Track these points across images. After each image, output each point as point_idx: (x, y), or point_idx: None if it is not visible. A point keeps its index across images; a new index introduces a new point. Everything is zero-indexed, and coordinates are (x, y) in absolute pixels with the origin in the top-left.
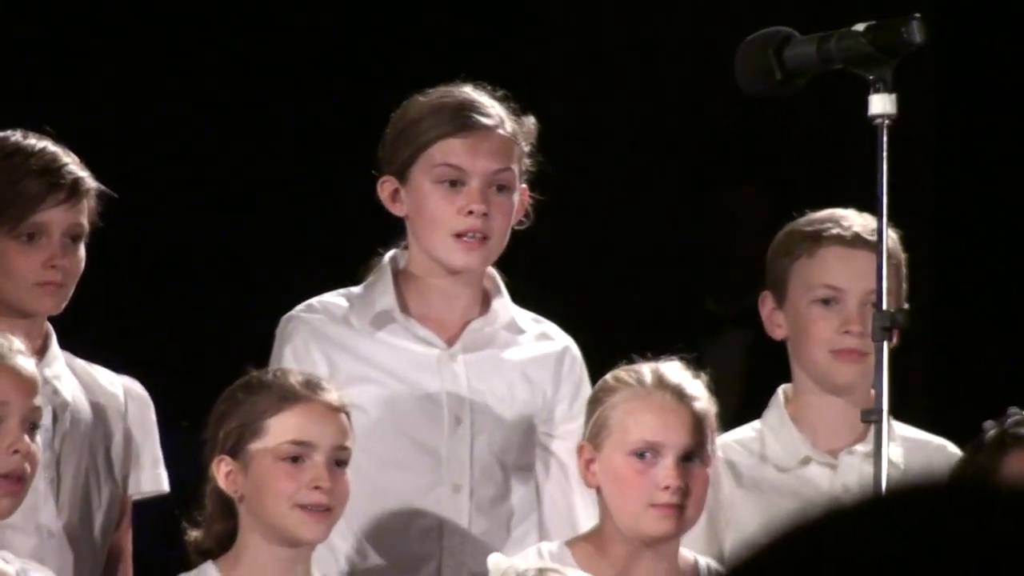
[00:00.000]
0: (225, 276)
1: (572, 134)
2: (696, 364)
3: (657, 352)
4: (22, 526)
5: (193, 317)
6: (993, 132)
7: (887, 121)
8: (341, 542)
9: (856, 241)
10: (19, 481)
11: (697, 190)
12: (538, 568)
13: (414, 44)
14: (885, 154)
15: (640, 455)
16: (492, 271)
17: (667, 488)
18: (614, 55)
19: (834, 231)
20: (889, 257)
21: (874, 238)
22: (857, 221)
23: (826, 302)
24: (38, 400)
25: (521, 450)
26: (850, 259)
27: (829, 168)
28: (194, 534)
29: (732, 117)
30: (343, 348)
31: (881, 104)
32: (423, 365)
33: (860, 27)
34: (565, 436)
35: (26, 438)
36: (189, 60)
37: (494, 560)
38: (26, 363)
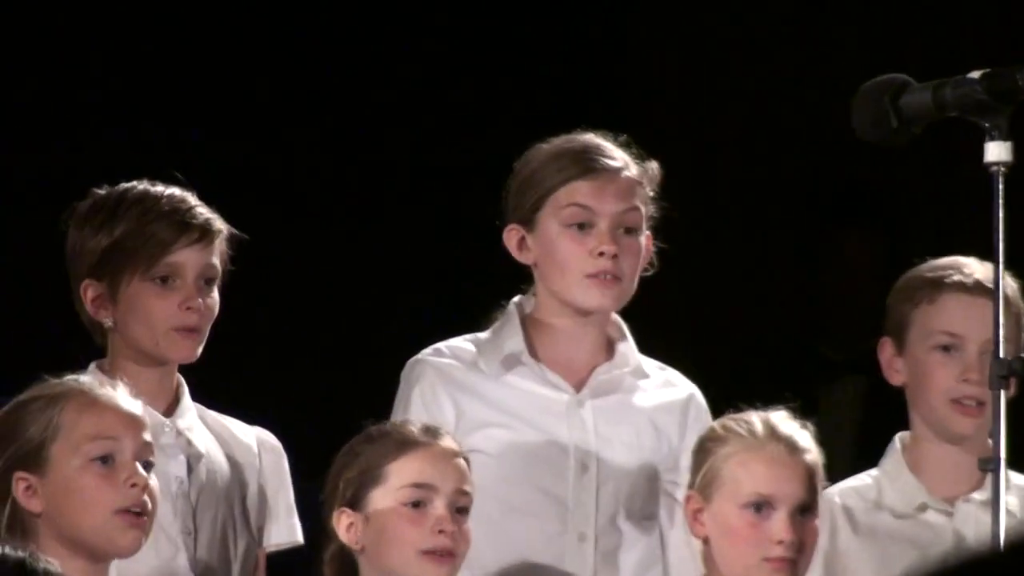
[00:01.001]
0: (355, 324)
1: (687, 182)
2: (802, 413)
3: (767, 400)
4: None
5: (323, 366)
6: None
7: (1003, 168)
8: None
9: (977, 289)
10: (140, 515)
11: (812, 236)
12: None
13: (528, 96)
14: (1001, 201)
15: (755, 508)
16: (616, 317)
17: (781, 543)
18: (727, 98)
19: (955, 278)
20: (1008, 305)
21: (992, 286)
22: (979, 269)
23: (946, 349)
24: (147, 436)
25: (646, 499)
26: (971, 307)
27: (946, 216)
28: None
29: (848, 162)
30: (471, 392)
31: (997, 152)
32: (551, 410)
33: (976, 74)
34: None
35: (142, 471)
36: (309, 98)
37: None
38: (129, 401)
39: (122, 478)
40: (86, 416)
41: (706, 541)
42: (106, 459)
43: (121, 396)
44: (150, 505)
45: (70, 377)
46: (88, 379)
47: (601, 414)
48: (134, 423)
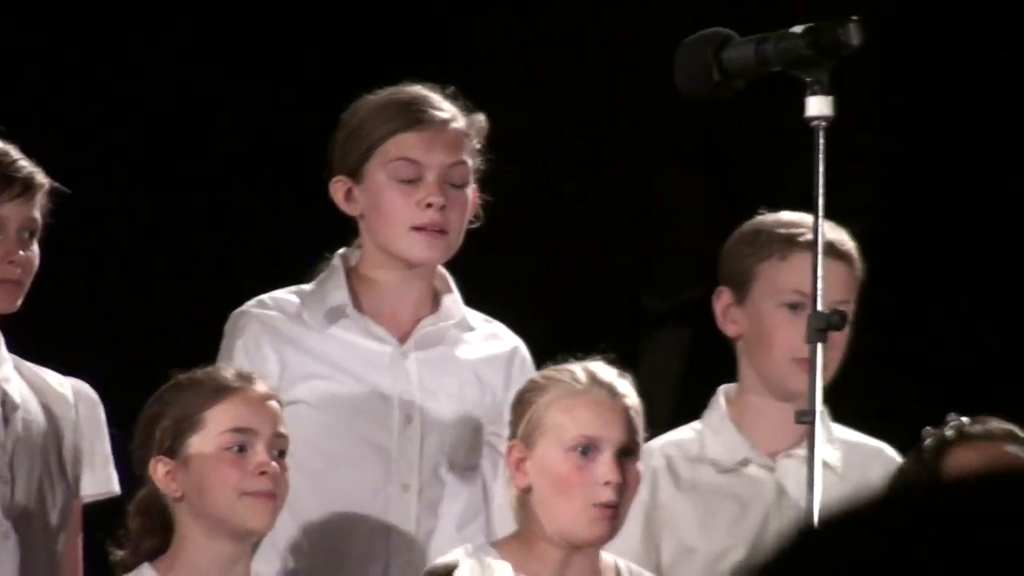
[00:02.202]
0: (172, 276)
1: (512, 133)
2: (622, 364)
3: (588, 352)
4: None
5: (141, 316)
6: (932, 134)
7: (824, 123)
8: (285, 540)
9: (830, 250)
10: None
11: (634, 186)
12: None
13: (363, 52)
14: (822, 155)
15: (581, 451)
16: (442, 269)
17: (608, 484)
18: (553, 47)
19: (809, 237)
20: (852, 266)
21: (845, 248)
22: (830, 230)
23: (793, 307)
24: None
25: (470, 450)
26: (823, 266)
27: (769, 169)
28: (120, 553)
29: (671, 111)
30: (295, 344)
31: (818, 106)
32: (375, 362)
33: (798, 29)
34: None
35: None
36: (136, 53)
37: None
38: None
39: None
40: None
41: (528, 491)
42: None
43: None
44: None
45: None
46: None
47: (425, 366)
48: None
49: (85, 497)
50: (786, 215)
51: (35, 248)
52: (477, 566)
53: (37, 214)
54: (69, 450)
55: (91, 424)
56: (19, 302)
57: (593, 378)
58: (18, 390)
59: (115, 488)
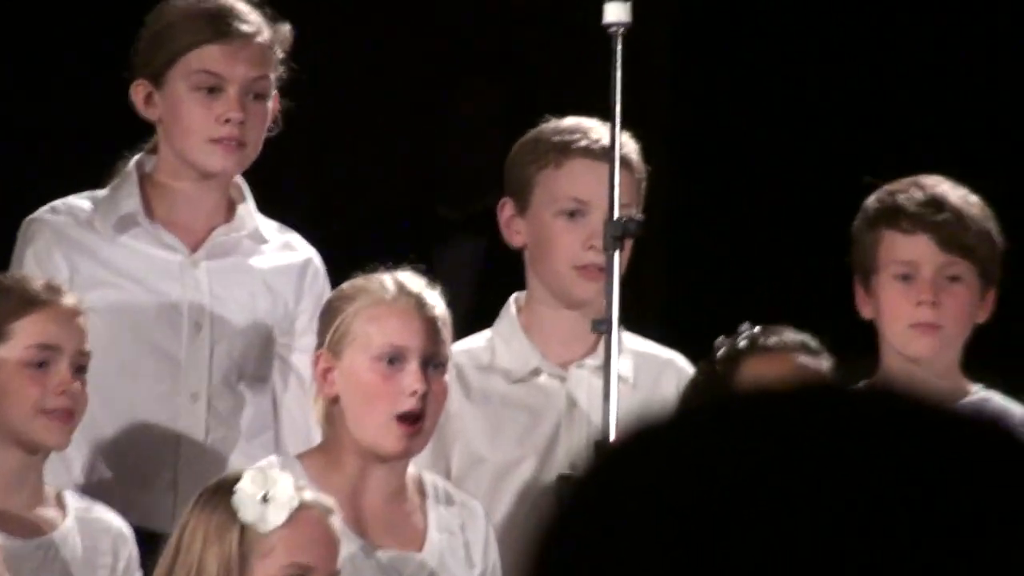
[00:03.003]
0: None
1: (311, 42)
2: (427, 274)
3: (385, 261)
4: None
5: None
6: (727, 44)
7: (622, 30)
8: (75, 451)
9: (604, 154)
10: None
11: (429, 92)
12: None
13: None
14: (619, 62)
15: (388, 360)
16: (239, 178)
17: (413, 393)
18: None
19: (583, 143)
20: (631, 169)
21: (624, 152)
22: (605, 134)
23: (571, 215)
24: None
25: (260, 360)
26: (598, 172)
27: (564, 74)
28: None
29: (467, 17)
30: (85, 251)
31: (616, 13)
32: (165, 271)
33: None
34: (305, 349)
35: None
36: None
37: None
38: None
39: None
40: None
41: (335, 401)
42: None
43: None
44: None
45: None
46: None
47: (216, 275)
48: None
49: None
50: (565, 122)
51: None
52: (260, 477)
53: None
54: None
55: None
56: None
57: (401, 288)
58: None
59: None
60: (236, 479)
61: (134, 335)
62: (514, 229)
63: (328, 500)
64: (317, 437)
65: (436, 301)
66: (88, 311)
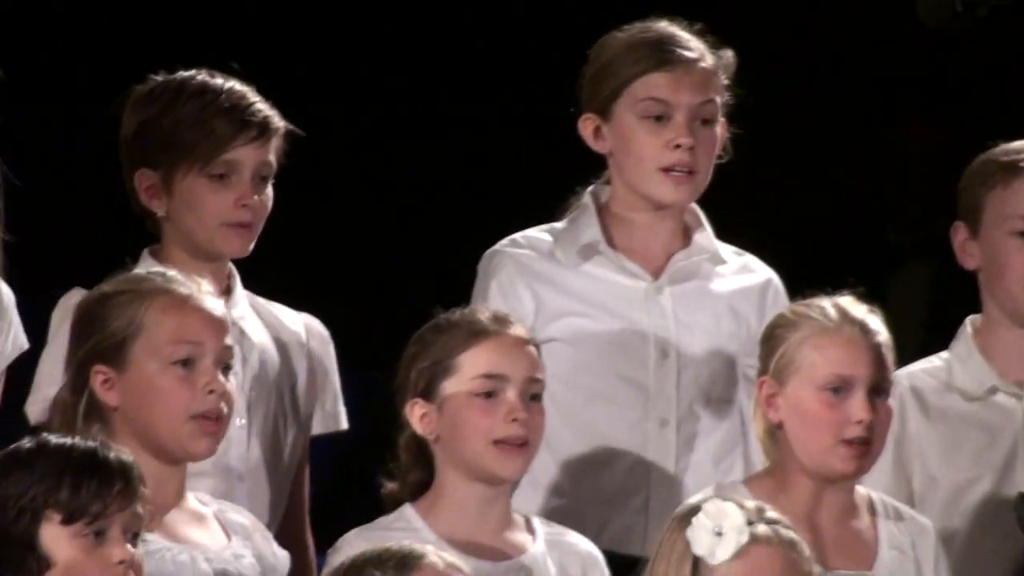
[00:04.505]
0: (416, 215)
1: (760, 68)
2: (870, 298)
3: (835, 287)
4: (208, 469)
5: (379, 256)
6: None
7: None
8: (545, 478)
9: None
10: (217, 421)
11: (877, 120)
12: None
13: None
14: None
15: (833, 390)
16: (693, 205)
17: (860, 422)
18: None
19: None
20: None
21: None
22: None
23: (1021, 235)
24: (229, 340)
25: (726, 383)
26: None
27: (1007, 101)
28: (390, 486)
29: (910, 55)
30: (549, 282)
31: None
32: (630, 298)
33: None
34: None
35: (220, 377)
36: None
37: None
38: (215, 304)
39: (201, 384)
40: (171, 317)
41: (779, 426)
42: (187, 362)
43: (208, 299)
44: (226, 411)
45: (157, 271)
46: (176, 276)
47: (679, 300)
48: (218, 327)
49: (316, 434)
50: (1015, 144)
51: (269, 192)
52: (715, 510)
53: (272, 157)
54: (302, 387)
55: (322, 361)
56: (251, 246)
57: (844, 315)
58: (255, 329)
59: (343, 425)
60: (698, 508)
61: (601, 363)
62: (967, 252)
63: (790, 534)
64: None
65: (879, 327)
66: (554, 341)
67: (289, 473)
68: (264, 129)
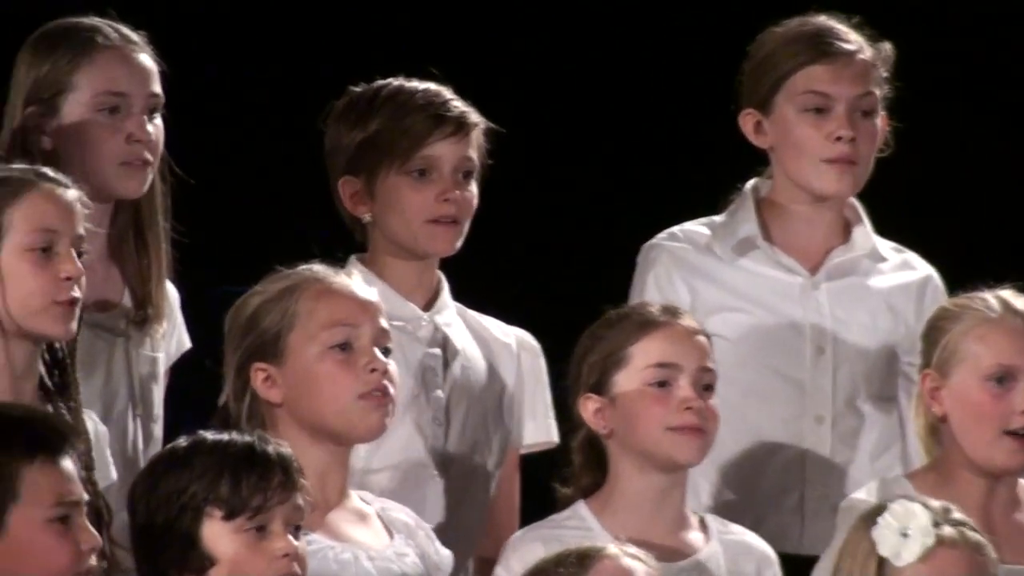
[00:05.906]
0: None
1: (917, 61)
2: None
3: (995, 281)
4: (399, 465)
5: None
6: None
7: None
8: (702, 475)
9: None
10: (383, 396)
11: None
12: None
13: None
14: None
15: (997, 380)
16: (853, 200)
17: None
18: None
19: None
20: None
21: None
22: None
23: None
24: (384, 322)
25: (884, 380)
26: None
27: None
28: (564, 491)
29: None
30: (706, 276)
31: None
32: (786, 293)
33: None
34: None
35: (381, 356)
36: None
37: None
38: (365, 289)
39: (362, 363)
40: (322, 304)
41: (943, 420)
42: (344, 346)
43: (355, 283)
44: (391, 389)
45: (303, 266)
46: (321, 267)
47: (836, 296)
48: (370, 309)
49: (526, 447)
50: None
51: (473, 188)
52: (902, 511)
53: (473, 153)
54: (509, 399)
55: (533, 374)
56: (458, 243)
57: (1007, 306)
58: (460, 336)
59: (555, 438)
60: (883, 508)
61: (757, 358)
62: None
63: (977, 536)
64: None
65: None
66: (712, 335)
67: (490, 481)
68: (461, 124)
